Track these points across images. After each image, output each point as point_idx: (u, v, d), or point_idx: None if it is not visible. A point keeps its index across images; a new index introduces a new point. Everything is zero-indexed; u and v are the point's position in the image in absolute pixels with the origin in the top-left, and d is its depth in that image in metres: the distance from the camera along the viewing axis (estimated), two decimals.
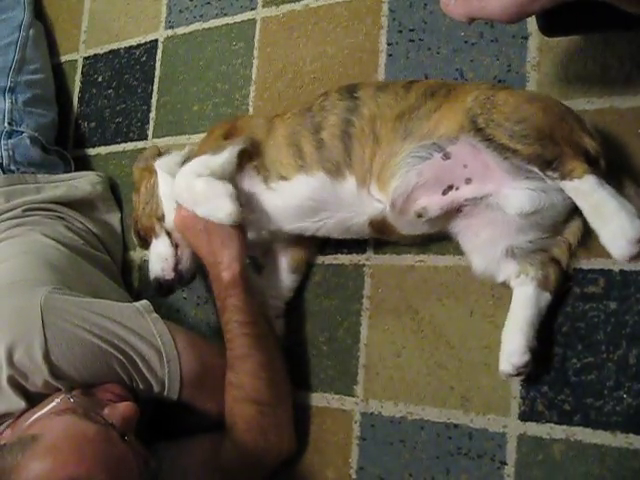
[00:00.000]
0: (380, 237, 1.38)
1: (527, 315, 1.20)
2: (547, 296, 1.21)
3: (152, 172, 1.53)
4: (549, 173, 1.10)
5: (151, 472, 1.16)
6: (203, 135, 1.73)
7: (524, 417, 1.25)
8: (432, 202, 1.22)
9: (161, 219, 1.48)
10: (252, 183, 1.35)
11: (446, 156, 1.20)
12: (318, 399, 1.47)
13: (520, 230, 1.20)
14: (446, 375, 1.33)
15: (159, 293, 1.50)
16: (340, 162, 1.27)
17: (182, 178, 1.34)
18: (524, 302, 1.21)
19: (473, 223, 1.24)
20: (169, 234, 1.47)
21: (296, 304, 1.51)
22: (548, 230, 1.20)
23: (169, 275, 1.47)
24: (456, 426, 1.31)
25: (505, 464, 1.26)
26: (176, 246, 1.46)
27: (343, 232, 1.36)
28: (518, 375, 1.21)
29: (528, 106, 1.14)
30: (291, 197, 1.32)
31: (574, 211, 1.17)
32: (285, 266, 1.48)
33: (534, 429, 1.24)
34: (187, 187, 1.32)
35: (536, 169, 1.12)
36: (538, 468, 1.22)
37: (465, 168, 1.20)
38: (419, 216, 1.24)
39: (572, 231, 1.21)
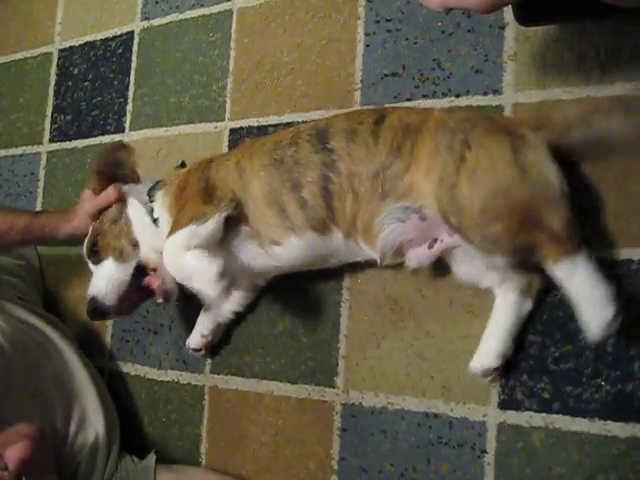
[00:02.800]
0: None
1: (506, 322, 1.22)
2: (529, 303, 1.22)
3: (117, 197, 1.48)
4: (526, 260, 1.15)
5: None
6: (180, 127, 1.73)
7: (504, 406, 1.26)
8: (421, 257, 1.26)
9: (136, 246, 1.42)
10: (248, 246, 1.33)
11: (423, 218, 1.20)
12: (299, 391, 1.47)
13: None
14: (426, 365, 1.34)
15: (91, 314, 1.40)
16: (325, 218, 1.26)
17: (170, 251, 1.29)
18: (505, 309, 1.23)
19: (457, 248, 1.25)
20: (138, 266, 1.41)
21: (276, 296, 1.51)
22: None
23: (110, 301, 1.38)
24: (436, 415, 1.32)
25: (485, 452, 1.26)
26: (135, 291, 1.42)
27: (347, 261, 1.38)
28: (484, 377, 1.24)
29: (494, 204, 1.12)
30: (287, 258, 1.32)
31: None
32: (246, 286, 1.49)
33: (514, 417, 1.25)
34: (176, 261, 1.28)
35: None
36: (518, 456, 1.23)
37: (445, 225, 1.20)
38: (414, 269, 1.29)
39: None
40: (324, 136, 1.27)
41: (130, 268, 1.40)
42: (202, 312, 1.53)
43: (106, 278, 1.39)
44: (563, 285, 1.12)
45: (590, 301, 1.09)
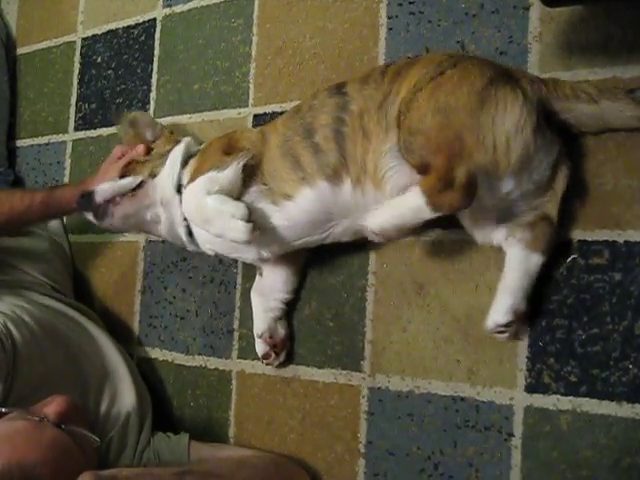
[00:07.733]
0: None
1: (515, 277, 1.22)
2: (537, 257, 1.21)
3: (172, 142, 1.53)
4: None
5: (95, 452, 1.23)
6: (204, 114, 1.74)
7: (530, 389, 1.26)
8: None
9: (153, 175, 1.46)
10: (262, 204, 1.32)
11: None
12: (325, 375, 1.48)
13: (508, 199, 1.19)
14: (452, 349, 1.34)
15: (78, 203, 1.48)
16: (337, 165, 1.26)
17: (191, 196, 1.32)
18: (512, 263, 1.22)
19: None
20: (140, 186, 1.45)
21: (301, 281, 1.52)
22: (536, 191, 1.20)
23: (100, 197, 1.44)
24: (463, 399, 1.32)
25: (512, 436, 1.27)
26: (130, 196, 1.45)
27: (351, 236, 1.36)
28: (499, 333, 1.23)
29: (430, 119, 1.13)
30: (299, 215, 1.31)
31: (556, 166, 1.18)
32: (286, 271, 1.48)
33: (540, 401, 1.25)
34: (197, 205, 1.29)
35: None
36: (545, 439, 1.23)
37: None
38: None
39: (559, 180, 1.20)
40: (341, 85, 1.32)
41: (137, 180, 1.46)
42: (254, 315, 1.51)
43: (112, 182, 1.47)
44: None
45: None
